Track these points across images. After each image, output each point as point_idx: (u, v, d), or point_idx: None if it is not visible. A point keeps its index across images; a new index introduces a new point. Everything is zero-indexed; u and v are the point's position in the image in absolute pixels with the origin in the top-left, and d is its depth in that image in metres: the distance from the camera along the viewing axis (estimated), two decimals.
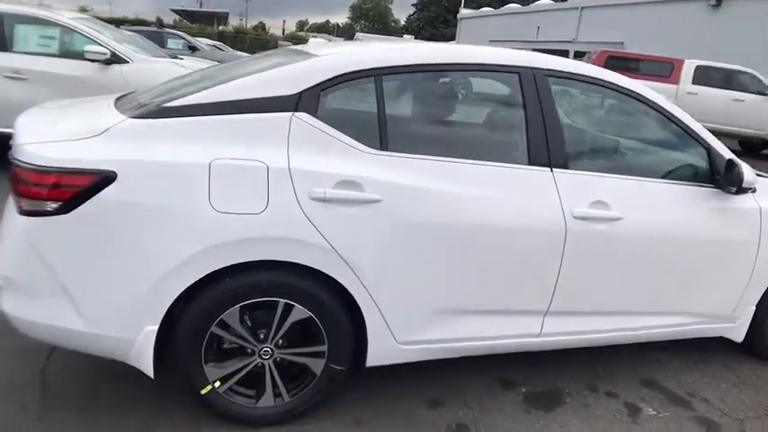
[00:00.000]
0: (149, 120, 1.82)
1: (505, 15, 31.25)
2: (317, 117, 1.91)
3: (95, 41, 4.91)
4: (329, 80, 1.95)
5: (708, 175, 2.43)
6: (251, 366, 1.97)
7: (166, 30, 17.72)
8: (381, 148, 1.97)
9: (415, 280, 2.01)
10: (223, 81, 1.99)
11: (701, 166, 2.45)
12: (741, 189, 2.31)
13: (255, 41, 32.36)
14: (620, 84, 2.34)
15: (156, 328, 1.81)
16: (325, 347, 2.00)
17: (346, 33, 73.17)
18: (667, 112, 2.40)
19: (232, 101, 1.87)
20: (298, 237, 1.84)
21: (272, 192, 1.81)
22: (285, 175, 1.82)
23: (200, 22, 34.27)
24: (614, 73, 2.36)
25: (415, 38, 47.35)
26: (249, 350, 1.96)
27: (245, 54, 16.93)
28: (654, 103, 2.38)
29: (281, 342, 1.97)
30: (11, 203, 1.90)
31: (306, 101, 1.92)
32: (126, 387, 2.13)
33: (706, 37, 16.03)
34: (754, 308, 2.64)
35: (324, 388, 2.06)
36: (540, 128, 2.17)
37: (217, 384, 1.95)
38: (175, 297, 1.79)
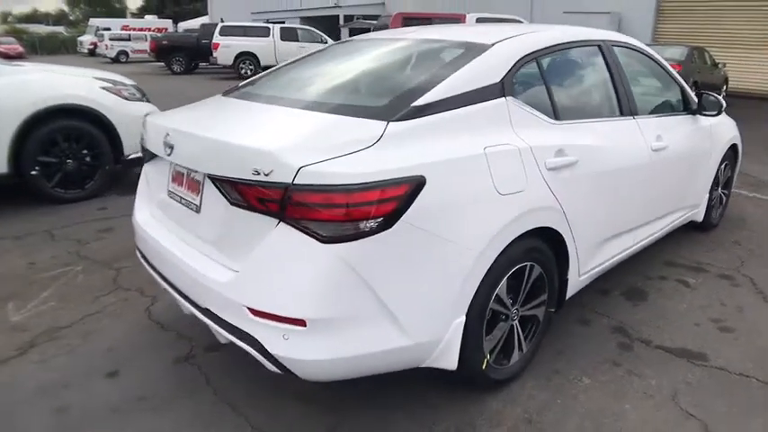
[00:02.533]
0: (412, 120, 1.84)
1: None
2: (516, 99, 2.16)
3: None
4: (514, 65, 2.21)
5: (681, 106, 3.39)
6: (507, 330, 2.19)
7: None
8: (556, 119, 2.33)
9: (593, 221, 2.46)
10: (410, 76, 2.13)
11: (678, 101, 3.38)
12: (720, 112, 3.30)
13: None
14: (640, 47, 3.09)
15: (464, 318, 1.91)
16: (545, 296, 2.33)
17: (63, 20, 62.62)
18: (662, 64, 3.25)
19: (462, 94, 2.00)
20: (546, 204, 2.12)
21: (527, 169, 2.03)
22: (529, 153, 2.06)
23: None
24: (635, 40, 3.08)
25: (159, 17, 43.30)
26: (504, 316, 2.17)
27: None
28: (654, 57, 3.20)
29: (522, 302, 2.23)
30: (272, 239, 1.71)
31: (507, 86, 2.14)
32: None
33: None
34: (707, 195, 3.78)
35: (544, 331, 2.40)
36: (621, 85, 2.77)
37: (488, 357, 2.13)
38: (479, 282, 1.91)
